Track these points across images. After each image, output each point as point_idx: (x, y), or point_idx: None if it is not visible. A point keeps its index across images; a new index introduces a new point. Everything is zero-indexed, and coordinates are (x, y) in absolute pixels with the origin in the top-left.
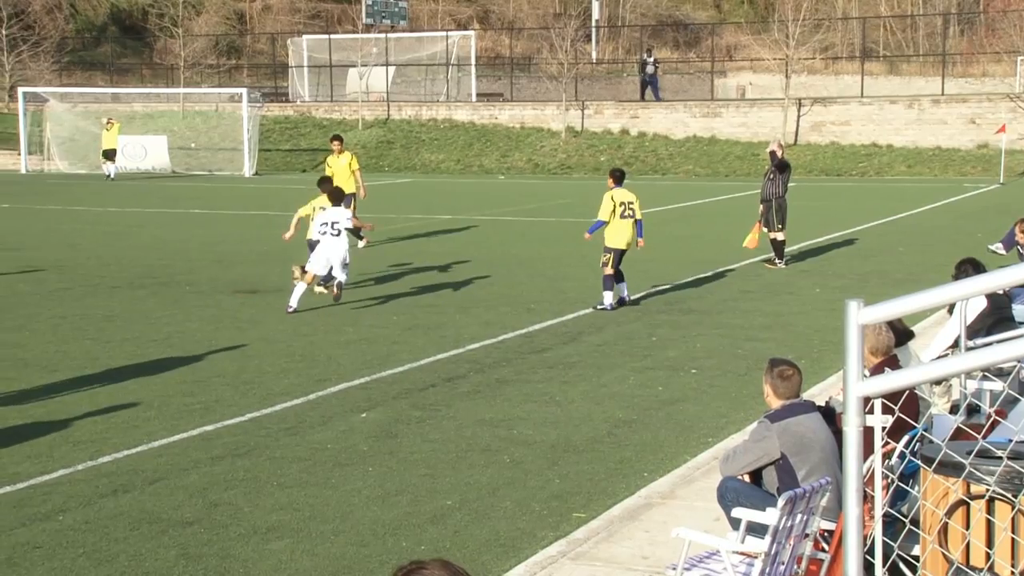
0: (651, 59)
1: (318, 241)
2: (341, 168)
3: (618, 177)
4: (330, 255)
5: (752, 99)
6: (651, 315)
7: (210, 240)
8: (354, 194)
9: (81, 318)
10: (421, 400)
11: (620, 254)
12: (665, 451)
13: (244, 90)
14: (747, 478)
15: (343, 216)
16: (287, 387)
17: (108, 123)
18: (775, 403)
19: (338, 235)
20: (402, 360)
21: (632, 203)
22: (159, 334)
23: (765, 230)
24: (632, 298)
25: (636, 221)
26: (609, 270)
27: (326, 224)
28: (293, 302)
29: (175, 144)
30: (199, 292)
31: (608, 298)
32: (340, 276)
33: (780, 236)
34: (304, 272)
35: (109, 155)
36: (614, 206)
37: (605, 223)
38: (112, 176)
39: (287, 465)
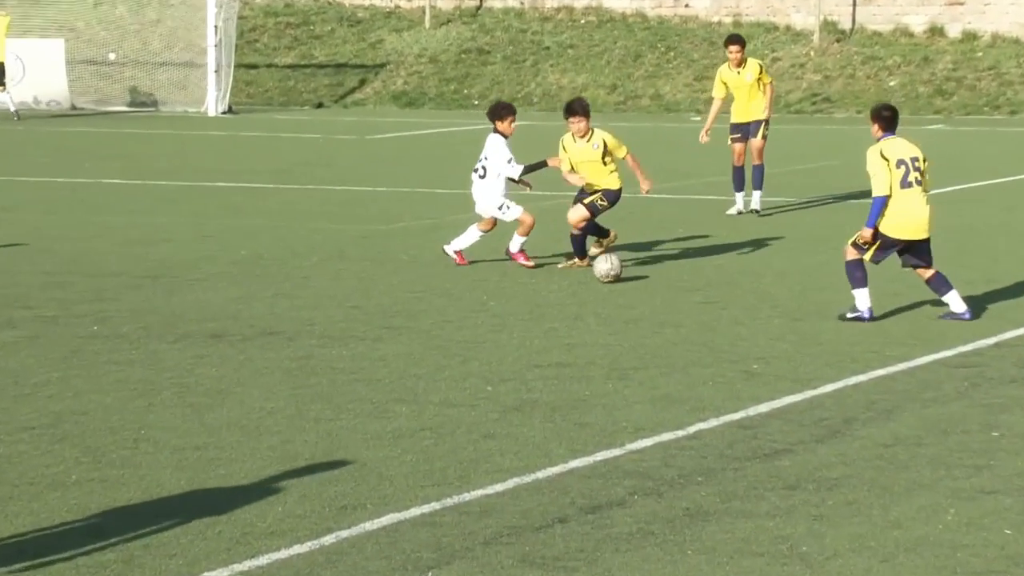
0: None
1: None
2: (744, 86)
3: (887, 119)
4: (477, 206)
5: None
6: (990, 387)
7: (138, 237)
8: (766, 120)
9: None
10: (538, 549)
11: (900, 246)
12: None
13: None
14: None
15: (494, 149)
16: (280, 523)
17: None
18: None
19: (483, 177)
20: (501, 471)
21: (919, 160)
22: (41, 416)
23: None
24: (947, 318)
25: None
26: (864, 256)
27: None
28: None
29: (79, 55)
30: (116, 336)
31: (861, 301)
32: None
33: None
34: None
35: None
36: (890, 168)
37: (887, 199)
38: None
39: None
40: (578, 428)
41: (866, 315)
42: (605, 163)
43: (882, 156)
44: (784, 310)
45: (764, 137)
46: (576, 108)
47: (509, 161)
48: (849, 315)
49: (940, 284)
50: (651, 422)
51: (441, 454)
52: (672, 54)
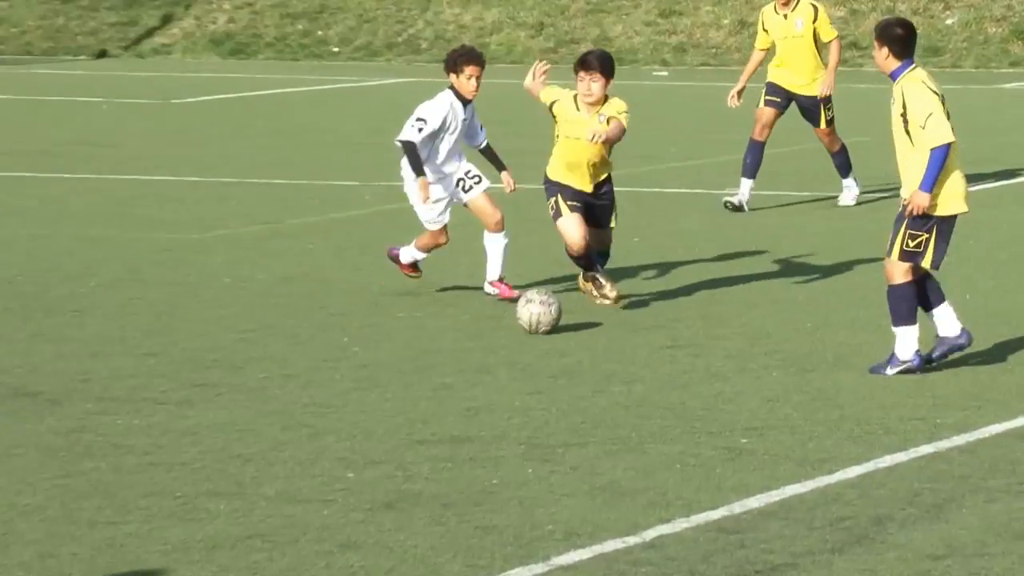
0: None
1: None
2: (791, 37)
3: (902, 40)
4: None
5: None
6: None
7: None
8: (825, 99)
9: None
10: None
11: (949, 224)
12: None
13: None
14: None
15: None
16: None
17: None
18: None
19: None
20: None
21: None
22: None
23: None
24: (943, 351)
25: None
26: (922, 263)
27: None
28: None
29: None
30: None
31: (908, 344)
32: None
33: None
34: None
35: None
36: (943, 103)
37: (948, 149)
38: None
39: None
40: (481, 533)
41: (916, 362)
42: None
43: (928, 87)
44: (787, 357)
45: (829, 122)
46: (592, 62)
47: (412, 125)
48: (890, 370)
49: (933, 291)
50: (589, 524)
51: (278, 572)
52: None
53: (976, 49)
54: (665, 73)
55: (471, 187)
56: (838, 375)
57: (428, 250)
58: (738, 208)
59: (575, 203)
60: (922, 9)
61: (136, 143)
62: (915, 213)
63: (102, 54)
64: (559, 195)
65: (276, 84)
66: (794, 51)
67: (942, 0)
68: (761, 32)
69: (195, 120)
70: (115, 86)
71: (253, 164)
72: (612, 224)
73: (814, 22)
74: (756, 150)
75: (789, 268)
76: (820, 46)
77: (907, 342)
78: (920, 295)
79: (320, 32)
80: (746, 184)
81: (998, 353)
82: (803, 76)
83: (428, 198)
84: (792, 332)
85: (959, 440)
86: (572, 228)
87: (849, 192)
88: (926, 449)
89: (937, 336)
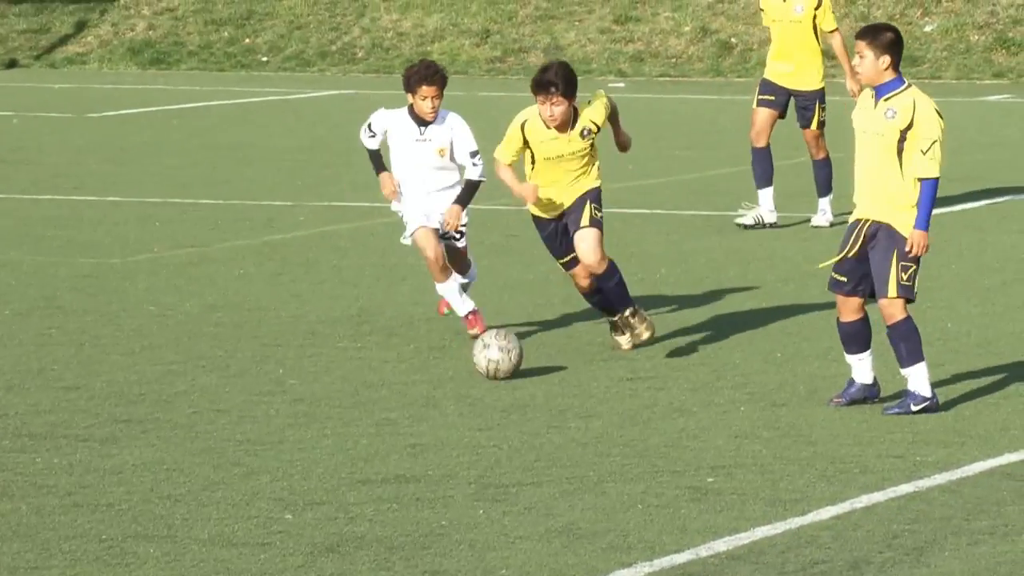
0: None
1: None
2: (788, 21)
3: (896, 45)
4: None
5: None
6: None
7: None
8: (820, 93)
9: None
10: None
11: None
12: None
13: None
14: None
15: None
16: None
17: None
18: None
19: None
20: None
21: None
22: None
23: None
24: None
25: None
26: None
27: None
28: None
29: None
30: None
31: (924, 379)
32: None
33: None
34: None
35: None
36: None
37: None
38: None
39: None
40: None
41: (936, 399)
42: (592, 153)
43: (939, 114)
44: (756, 390)
45: (821, 123)
46: (550, 83)
47: (364, 130)
48: (915, 406)
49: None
50: (545, 568)
51: None
52: None
53: (957, 59)
54: (622, 84)
55: (451, 238)
56: (811, 409)
57: (433, 271)
58: (757, 226)
59: (566, 258)
60: (899, 15)
61: (51, 160)
62: (917, 253)
63: (11, 64)
64: (550, 252)
65: (201, 96)
66: (791, 38)
67: (920, 5)
68: (760, 12)
69: (114, 135)
70: (26, 98)
71: (178, 183)
72: (598, 256)
73: (816, 8)
74: (761, 158)
75: (758, 294)
76: (819, 35)
77: (924, 377)
78: (861, 333)
79: (247, 40)
80: (764, 195)
81: (982, 386)
82: (801, 67)
83: (393, 192)
84: (761, 363)
85: (940, 479)
86: (576, 276)
87: (823, 215)
88: (905, 488)
89: (851, 379)
